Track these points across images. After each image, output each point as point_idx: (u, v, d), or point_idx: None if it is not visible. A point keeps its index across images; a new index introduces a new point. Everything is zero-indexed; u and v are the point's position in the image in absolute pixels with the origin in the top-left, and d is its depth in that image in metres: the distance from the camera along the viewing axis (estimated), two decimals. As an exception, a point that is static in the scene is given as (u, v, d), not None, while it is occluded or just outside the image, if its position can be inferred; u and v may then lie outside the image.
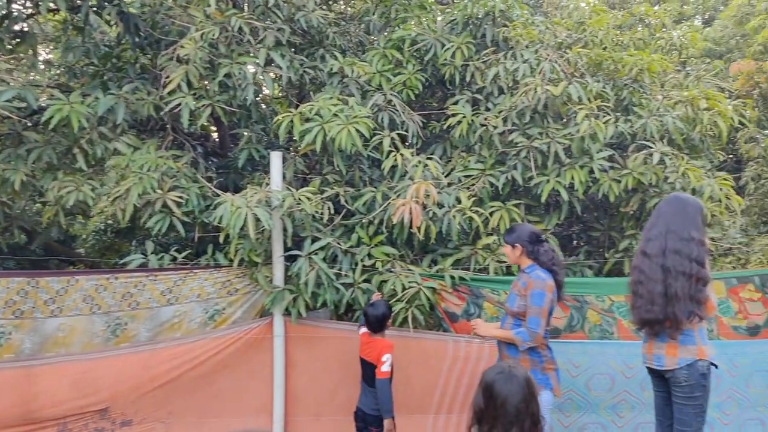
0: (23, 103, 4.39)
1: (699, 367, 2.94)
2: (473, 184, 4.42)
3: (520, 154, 4.38)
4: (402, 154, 4.44)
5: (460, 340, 4.03)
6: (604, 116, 4.31)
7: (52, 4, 4.78)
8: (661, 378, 3.12)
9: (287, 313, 4.17)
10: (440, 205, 4.20)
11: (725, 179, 4.40)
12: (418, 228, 3.94)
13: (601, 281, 4.15)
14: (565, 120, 4.64)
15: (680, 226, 2.98)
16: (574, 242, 5.32)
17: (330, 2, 6.21)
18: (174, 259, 4.45)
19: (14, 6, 4.98)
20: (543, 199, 4.24)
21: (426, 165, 4.34)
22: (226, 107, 4.67)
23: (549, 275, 3.32)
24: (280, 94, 6.23)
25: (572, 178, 4.21)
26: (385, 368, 3.52)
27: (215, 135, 6.46)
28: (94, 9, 5.04)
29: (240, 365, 4.21)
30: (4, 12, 4.69)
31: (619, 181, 4.25)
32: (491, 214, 4.25)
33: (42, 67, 6.42)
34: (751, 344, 3.79)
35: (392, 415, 3.51)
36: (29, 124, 4.68)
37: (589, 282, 4.10)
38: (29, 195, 5.24)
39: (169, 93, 4.54)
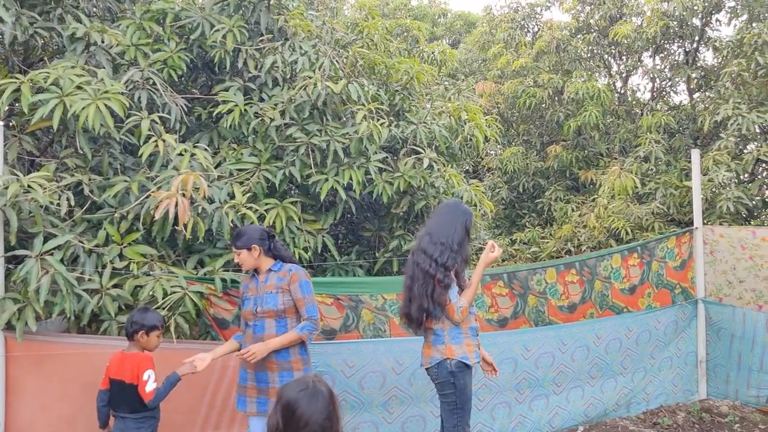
0: None
1: (447, 365, 3.09)
2: (247, 179, 4.12)
3: (299, 150, 4.22)
4: (164, 140, 3.92)
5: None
6: (379, 119, 4.40)
7: None
8: None
9: (10, 327, 3.36)
10: (210, 200, 3.82)
11: (477, 186, 4.88)
12: (185, 225, 3.50)
13: (375, 280, 4.24)
14: (343, 119, 4.63)
15: (436, 229, 3.15)
16: (341, 241, 5.40)
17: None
18: None
19: None
20: (322, 197, 4.15)
21: (194, 154, 3.90)
22: None
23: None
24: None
25: (350, 177, 4.20)
26: (150, 387, 3.04)
27: None
28: None
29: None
30: None
31: (392, 183, 4.39)
32: (267, 211, 4.02)
33: None
34: (500, 335, 4.26)
35: None
36: None
37: (363, 282, 4.15)
38: None
39: None
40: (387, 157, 4.65)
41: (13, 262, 3.48)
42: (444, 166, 4.70)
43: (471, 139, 4.98)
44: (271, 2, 4.86)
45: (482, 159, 10.16)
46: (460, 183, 4.65)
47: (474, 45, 12.16)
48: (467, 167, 6.05)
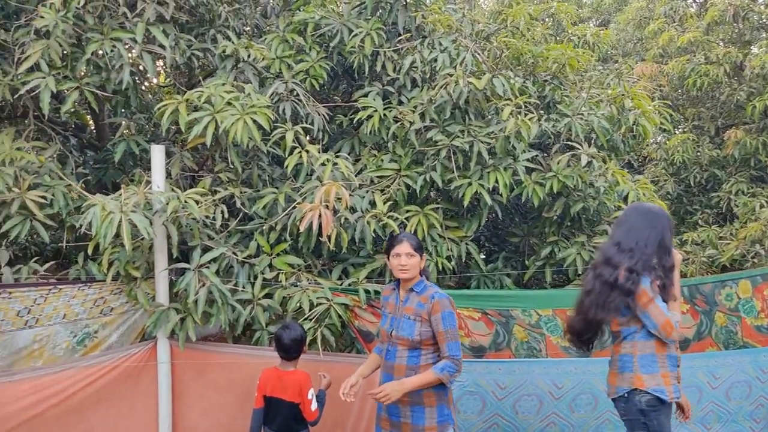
0: None
1: (636, 401, 2.60)
2: (388, 186, 4.01)
3: (440, 154, 4.01)
4: (308, 151, 3.95)
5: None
6: (527, 114, 4.04)
7: None
8: None
9: (174, 336, 3.57)
10: (352, 210, 3.75)
11: (645, 183, 4.29)
12: (329, 236, 3.47)
13: (527, 294, 3.88)
14: (487, 117, 4.32)
15: (631, 237, 2.67)
16: (486, 247, 5.09)
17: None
18: (35, 271, 3.72)
19: None
20: (466, 203, 3.89)
21: (336, 164, 3.87)
22: (99, 92, 3.96)
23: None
24: (167, 81, 5.53)
25: (496, 180, 3.89)
26: (314, 406, 3.03)
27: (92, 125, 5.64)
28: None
29: (118, 398, 3.57)
30: None
31: (543, 184, 4.00)
32: (408, 219, 3.86)
33: None
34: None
35: None
36: None
37: (514, 295, 3.79)
38: None
39: (26, 72, 3.78)
40: (537, 156, 4.25)
41: (175, 275, 3.69)
42: (604, 162, 4.19)
43: (635, 130, 4.39)
44: (408, 0, 4.71)
45: (643, 149, 9.16)
46: (625, 181, 4.11)
47: (628, 23, 11.06)
48: (627, 159, 5.41)
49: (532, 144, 4.31)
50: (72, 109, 4.02)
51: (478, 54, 4.24)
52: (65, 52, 3.86)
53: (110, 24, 3.95)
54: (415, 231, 3.83)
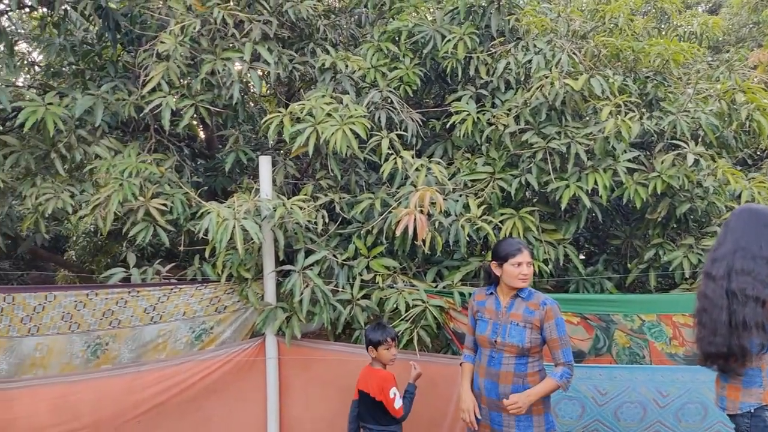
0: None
1: (765, 417, 2.43)
2: (482, 189, 4.03)
3: (536, 156, 3.97)
4: (402, 157, 4.07)
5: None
6: (628, 113, 3.90)
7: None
8: None
9: (280, 333, 3.82)
10: (446, 213, 3.82)
11: (762, 181, 3.99)
12: (423, 240, 3.56)
13: (629, 298, 3.73)
14: (585, 118, 4.23)
15: (751, 241, 2.48)
16: (584, 249, 4.94)
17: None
18: (157, 272, 4.11)
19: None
20: (563, 205, 3.83)
21: (429, 169, 3.96)
22: (211, 107, 4.31)
23: None
24: (268, 92, 5.87)
25: (595, 182, 3.79)
26: (398, 404, 3.16)
27: (202, 135, 6.11)
28: (70, 4, 4.68)
29: (230, 390, 3.87)
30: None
31: (646, 185, 3.84)
32: (502, 222, 3.87)
33: (18, 65, 6.07)
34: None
35: None
36: (6, 127, 4.35)
37: (615, 299, 3.66)
38: (11, 201, 4.92)
39: (150, 92, 4.19)
40: (639, 156, 4.09)
41: (281, 275, 3.93)
42: (713, 160, 3.95)
43: (749, 125, 4.10)
44: (501, 3, 4.70)
45: (759, 145, 8.43)
46: (737, 179, 3.85)
47: (742, 7, 10.24)
48: (740, 156, 5.02)
49: (633, 143, 4.16)
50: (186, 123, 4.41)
51: (575, 54, 4.15)
52: (182, 72, 4.24)
53: (221, 45, 4.29)
54: (510, 234, 3.83)
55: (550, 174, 3.90)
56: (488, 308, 3.02)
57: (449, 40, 4.53)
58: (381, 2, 5.35)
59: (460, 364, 3.16)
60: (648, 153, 4.24)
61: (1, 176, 4.26)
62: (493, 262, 3.01)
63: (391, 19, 5.11)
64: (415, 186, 3.84)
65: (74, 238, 7.75)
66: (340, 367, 3.75)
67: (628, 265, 4.16)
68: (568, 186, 3.84)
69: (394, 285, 3.84)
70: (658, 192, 3.83)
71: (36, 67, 6.64)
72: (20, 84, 5.97)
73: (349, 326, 3.96)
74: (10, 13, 5.15)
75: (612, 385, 3.37)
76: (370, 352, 3.31)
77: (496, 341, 2.90)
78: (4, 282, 7.52)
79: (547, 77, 3.98)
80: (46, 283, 7.96)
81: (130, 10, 4.85)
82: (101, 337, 3.89)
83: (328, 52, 4.64)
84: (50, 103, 4.15)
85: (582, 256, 4.76)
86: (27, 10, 4.64)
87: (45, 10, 4.96)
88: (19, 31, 5.10)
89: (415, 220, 3.50)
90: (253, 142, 5.16)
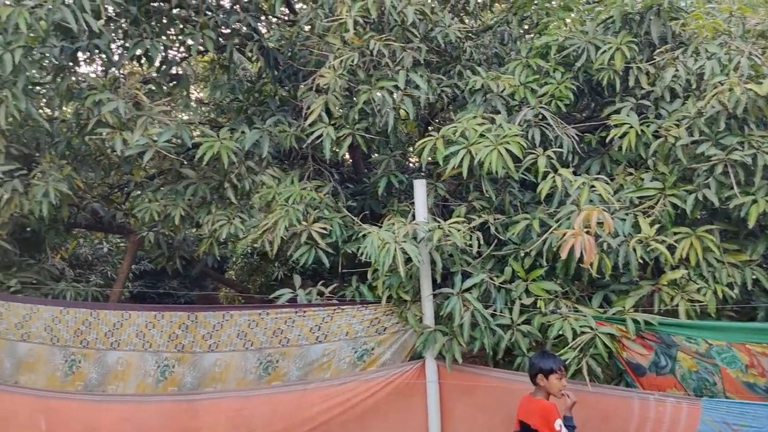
0: (179, 141, 4.57)
1: None
2: (651, 207, 3.77)
3: (714, 170, 3.64)
4: (561, 175, 3.93)
5: (648, 398, 3.35)
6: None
7: (201, 47, 4.96)
8: None
9: (440, 356, 3.82)
10: (614, 234, 3.62)
11: None
12: (591, 263, 3.39)
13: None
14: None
15: None
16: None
17: (462, 15, 5.86)
18: (320, 293, 4.32)
19: (170, 52, 5.26)
20: (751, 223, 3.47)
21: (592, 186, 3.78)
22: (366, 134, 4.49)
23: None
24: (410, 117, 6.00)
25: (789, 196, 3.40)
26: None
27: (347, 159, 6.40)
28: (237, 47, 5.15)
29: (392, 411, 3.94)
30: (161, 58, 4.94)
31: None
32: (677, 242, 3.58)
33: (193, 105, 6.80)
34: None
35: None
36: (185, 161, 4.87)
37: None
38: (187, 227, 5.49)
39: (311, 124, 4.45)
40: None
41: (438, 298, 3.95)
42: None
43: None
44: (662, 8, 4.40)
45: None
46: None
47: None
48: None
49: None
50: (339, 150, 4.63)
51: (756, 56, 3.76)
52: (340, 103, 4.46)
53: (375, 74, 4.46)
54: (687, 256, 3.52)
55: (732, 188, 3.55)
56: None
57: (605, 51, 4.34)
58: (527, 18, 5.27)
59: None
60: None
61: (182, 205, 4.77)
62: None
63: (537, 35, 5.01)
64: (577, 205, 3.69)
65: (233, 260, 8.45)
66: (503, 395, 3.65)
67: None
68: (755, 201, 3.47)
69: (557, 310, 3.70)
70: None
71: (203, 106, 7.39)
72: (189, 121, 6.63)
73: (509, 352, 3.87)
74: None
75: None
76: (538, 380, 3.19)
77: None
78: (172, 299, 8.40)
79: (723, 83, 3.64)
80: (209, 301, 8.75)
81: (290, 48, 5.24)
82: (272, 354, 4.16)
83: (476, 73, 4.64)
84: (224, 138, 4.57)
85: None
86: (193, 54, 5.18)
87: (214, 53, 5.52)
88: (191, 74, 5.70)
89: (582, 241, 3.35)
90: (399, 167, 5.29)
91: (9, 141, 4.48)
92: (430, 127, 5.95)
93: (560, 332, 3.53)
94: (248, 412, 4.04)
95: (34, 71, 4.63)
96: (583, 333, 3.48)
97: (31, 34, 4.07)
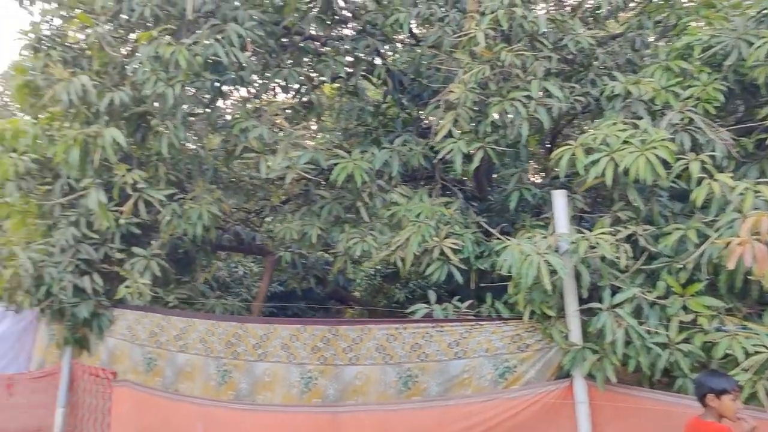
0: (312, 165, 4.79)
1: None
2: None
3: None
4: (717, 180, 3.63)
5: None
6: None
7: (333, 74, 5.21)
8: None
9: (589, 376, 3.62)
10: (789, 242, 3.26)
11: None
12: (763, 274, 3.07)
13: None
14: None
15: None
16: None
17: (590, 21, 5.69)
18: (456, 308, 4.29)
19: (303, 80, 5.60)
20: None
21: (757, 191, 3.45)
22: (497, 147, 4.44)
23: None
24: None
25: None
26: None
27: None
28: (363, 73, 5.35)
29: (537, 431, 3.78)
30: (297, 86, 5.25)
31: None
32: None
33: (326, 130, 7.15)
34: None
35: None
36: (321, 183, 5.09)
37: None
38: (320, 246, 5.73)
39: (440, 141, 4.49)
40: None
41: (584, 314, 3.76)
42: None
43: None
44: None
45: None
46: None
47: None
48: None
49: None
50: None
51: None
52: (470, 117, 4.46)
53: (506, 86, 4.42)
54: None
55: None
56: None
57: (759, 47, 3.99)
58: (664, 20, 5.00)
59: None
60: None
61: (318, 224, 4.98)
62: None
63: (676, 36, 4.73)
64: (740, 212, 3.38)
65: (357, 282, 8.65)
66: (662, 419, 3.37)
67: None
68: None
69: (723, 327, 3.38)
70: None
71: (328, 132, 7.72)
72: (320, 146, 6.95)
73: (667, 373, 3.57)
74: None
75: None
76: (709, 401, 2.91)
77: None
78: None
79: None
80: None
81: (416, 68, 5.36)
82: (411, 369, 4.16)
83: (614, 79, 4.45)
84: (356, 159, 4.73)
85: None
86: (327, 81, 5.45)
87: (342, 81, 5.77)
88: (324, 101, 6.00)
89: (752, 250, 3.05)
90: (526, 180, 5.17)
91: (168, 169, 4.95)
92: (557, 139, 5.79)
93: (727, 351, 3.22)
94: (390, 426, 4.06)
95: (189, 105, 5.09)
96: (757, 353, 3.14)
97: (188, 71, 4.49)
